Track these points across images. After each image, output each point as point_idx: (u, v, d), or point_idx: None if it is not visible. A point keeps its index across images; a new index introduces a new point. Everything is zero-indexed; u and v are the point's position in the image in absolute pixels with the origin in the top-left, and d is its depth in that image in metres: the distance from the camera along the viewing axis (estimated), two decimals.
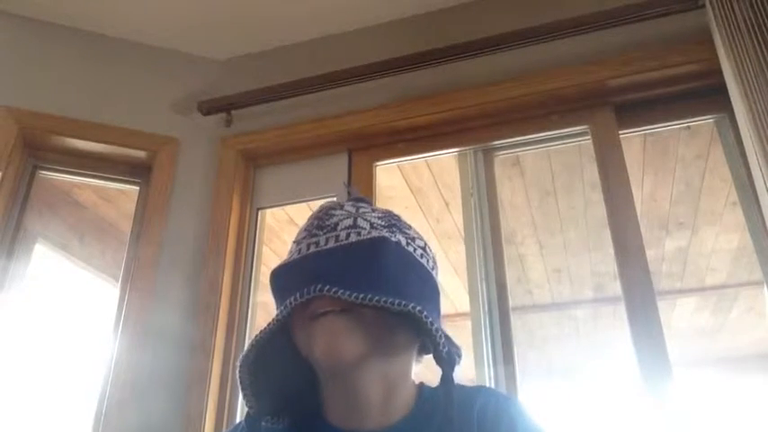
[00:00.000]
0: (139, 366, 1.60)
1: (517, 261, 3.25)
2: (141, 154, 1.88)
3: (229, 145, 1.89)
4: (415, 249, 0.78)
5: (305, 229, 0.79)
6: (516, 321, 1.54)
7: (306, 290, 0.69)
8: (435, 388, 0.76)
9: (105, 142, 1.84)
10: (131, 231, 1.84)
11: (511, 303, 1.57)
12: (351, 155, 1.84)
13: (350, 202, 0.81)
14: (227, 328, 1.68)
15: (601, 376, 4.55)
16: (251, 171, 1.92)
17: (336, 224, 0.76)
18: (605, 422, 4.42)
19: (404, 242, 0.77)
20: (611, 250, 1.50)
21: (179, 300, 1.69)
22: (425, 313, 0.67)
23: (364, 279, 0.69)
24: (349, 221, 0.76)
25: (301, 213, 2.51)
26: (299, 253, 0.76)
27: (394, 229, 0.77)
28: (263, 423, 0.75)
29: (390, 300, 0.67)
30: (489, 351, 1.50)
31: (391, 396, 0.74)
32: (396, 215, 0.82)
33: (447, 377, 0.68)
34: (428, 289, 0.77)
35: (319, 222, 0.78)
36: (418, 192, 2.61)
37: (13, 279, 1.72)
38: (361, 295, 0.67)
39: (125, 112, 1.89)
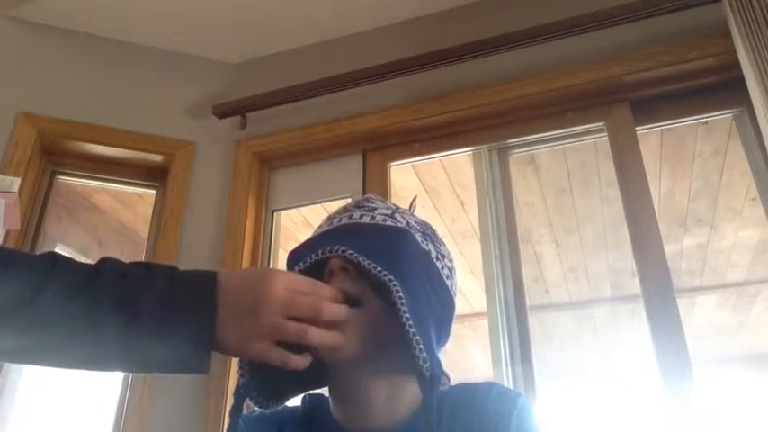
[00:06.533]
0: None
1: (533, 260, 3.23)
2: (158, 158, 1.89)
3: (244, 148, 1.90)
4: (442, 267, 0.76)
5: (339, 209, 0.79)
6: (533, 320, 1.53)
7: (329, 248, 0.68)
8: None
9: (122, 147, 1.86)
10: (149, 235, 1.86)
11: (528, 302, 1.57)
12: (365, 155, 1.84)
13: (393, 203, 0.82)
14: None
15: (620, 375, 4.51)
16: (266, 173, 1.93)
17: (375, 208, 0.77)
18: (625, 422, 4.38)
19: (433, 254, 0.75)
20: (629, 248, 1.49)
21: None
22: (411, 323, 0.63)
23: (388, 259, 0.68)
24: (387, 212, 0.77)
25: (316, 215, 2.52)
26: (329, 225, 0.76)
27: (427, 238, 0.77)
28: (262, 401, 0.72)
29: (396, 287, 0.64)
30: (507, 350, 1.50)
31: (395, 397, 0.72)
32: (432, 228, 0.81)
33: (426, 401, 0.62)
34: (441, 307, 0.73)
35: (357, 203, 0.79)
36: (433, 191, 2.60)
37: None
38: (378, 268, 0.66)
39: (141, 117, 1.91)
